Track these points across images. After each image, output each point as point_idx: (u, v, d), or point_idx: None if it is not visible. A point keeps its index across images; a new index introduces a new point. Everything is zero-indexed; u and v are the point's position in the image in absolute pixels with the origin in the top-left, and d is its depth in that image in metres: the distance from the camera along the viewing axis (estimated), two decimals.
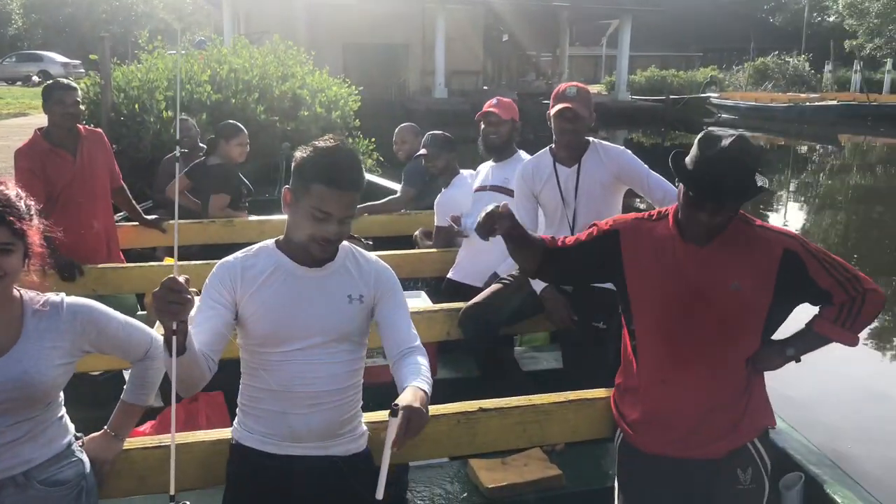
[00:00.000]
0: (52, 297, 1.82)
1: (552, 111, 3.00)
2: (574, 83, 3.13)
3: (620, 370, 2.21)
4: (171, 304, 1.51)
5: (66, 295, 1.85)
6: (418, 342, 1.96)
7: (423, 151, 4.15)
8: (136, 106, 6.73)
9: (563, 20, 26.95)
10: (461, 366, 3.50)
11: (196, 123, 5.62)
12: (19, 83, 29.09)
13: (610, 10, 25.91)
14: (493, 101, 3.69)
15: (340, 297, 1.90)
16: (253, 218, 4.87)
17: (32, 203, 1.79)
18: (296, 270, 1.89)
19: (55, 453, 1.80)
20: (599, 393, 2.36)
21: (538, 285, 3.03)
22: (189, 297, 1.53)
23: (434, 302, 3.47)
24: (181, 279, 1.53)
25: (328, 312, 1.87)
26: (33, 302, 1.79)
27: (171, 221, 4.55)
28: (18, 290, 1.79)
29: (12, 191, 1.75)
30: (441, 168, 4.11)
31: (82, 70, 30.54)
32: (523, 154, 3.62)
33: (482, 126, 3.67)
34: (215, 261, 4.10)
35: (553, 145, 3.13)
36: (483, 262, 3.52)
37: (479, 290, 3.30)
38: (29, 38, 38.51)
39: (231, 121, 4.88)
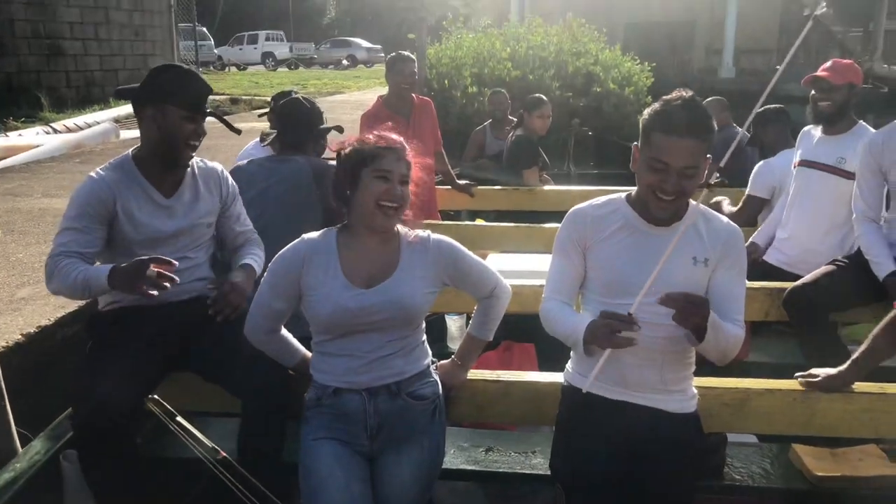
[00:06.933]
0: (421, 233, 2.05)
1: None
2: None
3: None
4: (613, 333, 1.73)
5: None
6: (742, 319, 1.89)
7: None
8: (446, 81, 7.25)
9: None
10: (776, 349, 3.29)
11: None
12: (331, 66, 32.84)
13: None
14: (828, 63, 3.28)
15: (685, 258, 1.85)
16: (549, 188, 5.05)
17: (413, 145, 2.03)
18: (643, 227, 1.88)
19: (419, 371, 2.03)
20: None
21: (881, 269, 2.74)
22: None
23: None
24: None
25: (671, 273, 1.81)
26: (407, 236, 2.03)
27: (480, 187, 4.90)
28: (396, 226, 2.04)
29: (400, 136, 2.00)
30: (770, 143, 3.90)
31: (382, 54, 33.61)
32: (865, 126, 3.23)
33: (812, 92, 3.27)
34: (517, 224, 4.29)
35: None
36: (810, 247, 3.22)
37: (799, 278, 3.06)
38: (340, 25, 43.38)
39: (537, 94, 5.06)
